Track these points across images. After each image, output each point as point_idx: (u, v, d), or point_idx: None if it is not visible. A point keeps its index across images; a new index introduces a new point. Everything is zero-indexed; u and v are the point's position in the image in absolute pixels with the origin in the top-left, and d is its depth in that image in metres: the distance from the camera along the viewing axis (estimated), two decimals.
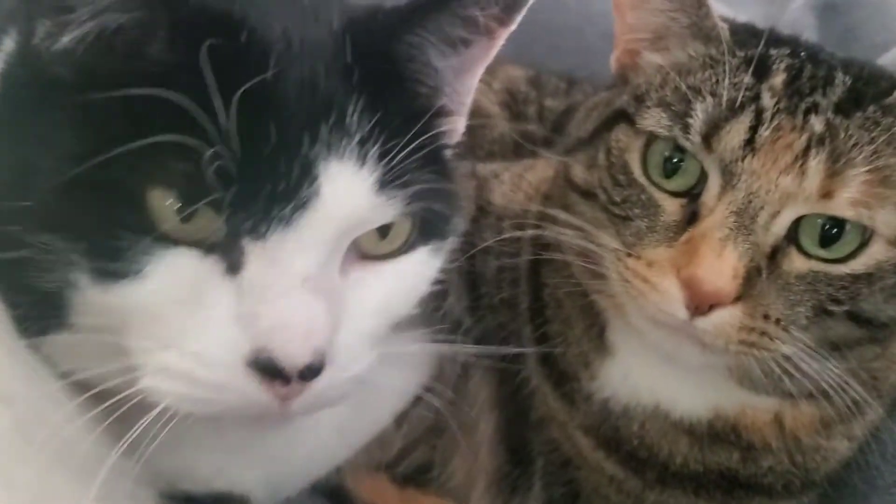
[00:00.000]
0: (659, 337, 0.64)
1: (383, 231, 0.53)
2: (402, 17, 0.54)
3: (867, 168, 0.59)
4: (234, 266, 0.48)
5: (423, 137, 0.52)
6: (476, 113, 0.94)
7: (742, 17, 1.24)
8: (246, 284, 0.48)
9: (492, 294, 0.79)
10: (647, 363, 0.70)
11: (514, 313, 0.78)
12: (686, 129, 0.62)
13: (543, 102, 1.00)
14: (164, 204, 0.46)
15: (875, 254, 0.61)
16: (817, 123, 0.60)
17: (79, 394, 0.51)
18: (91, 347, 0.50)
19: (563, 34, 1.11)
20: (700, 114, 0.62)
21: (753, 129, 0.60)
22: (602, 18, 0.72)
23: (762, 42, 0.65)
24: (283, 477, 0.71)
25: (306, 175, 0.48)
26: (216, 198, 0.46)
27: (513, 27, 0.57)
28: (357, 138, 0.49)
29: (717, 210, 0.60)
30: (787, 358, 0.61)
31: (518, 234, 0.76)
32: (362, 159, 0.50)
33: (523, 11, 0.56)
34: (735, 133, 0.60)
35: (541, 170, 0.82)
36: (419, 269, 0.56)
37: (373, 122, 0.50)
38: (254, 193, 0.47)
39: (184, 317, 0.48)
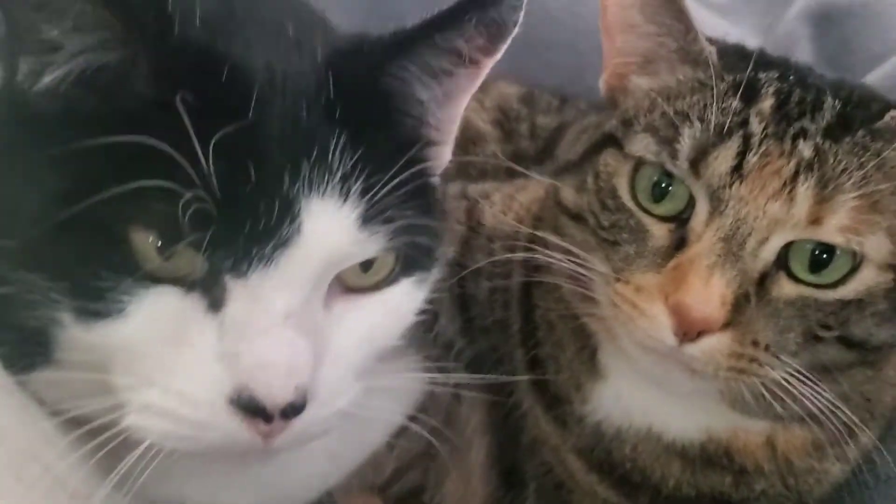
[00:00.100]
0: (648, 362, 0.64)
1: (366, 264, 0.53)
2: (385, 50, 0.54)
3: (856, 194, 0.59)
4: (216, 303, 0.48)
5: (407, 172, 0.51)
6: (468, 132, 0.95)
7: (738, 29, 1.25)
8: (228, 322, 0.48)
9: (484, 316, 0.79)
10: (638, 386, 0.70)
11: (505, 335, 0.78)
12: (674, 154, 0.62)
13: (535, 120, 1.00)
14: (146, 242, 0.46)
15: (865, 279, 0.60)
16: (806, 149, 0.60)
17: (70, 430, 0.52)
18: (77, 384, 0.50)
19: (556, 49, 1.11)
20: (688, 139, 0.62)
21: (741, 155, 0.60)
22: (595, 33, 0.71)
23: (750, 65, 0.64)
24: (275, 501, 0.71)
25: (287, 213, 0.47)
26: (196, 238, 0.46)
27: (498, 56, 0.56)
28: (339, 175, 0.49)
29: (705, 236, 0.60)
30: (778, 383, 0.61)
31: (509, 256, 0.76)
32: (345, 196, 0.49)
33: (508, 41, 0.56)
34: (723, 159, 0.60)
35: (532, 190, 0.82)
36: (403, 300, 0.56)
37: (355, 158, 0.50)
38: (234, 232, 0.46)
39: (167, 354, 0.48)
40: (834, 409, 0.62)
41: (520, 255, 0.74)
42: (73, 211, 0.44)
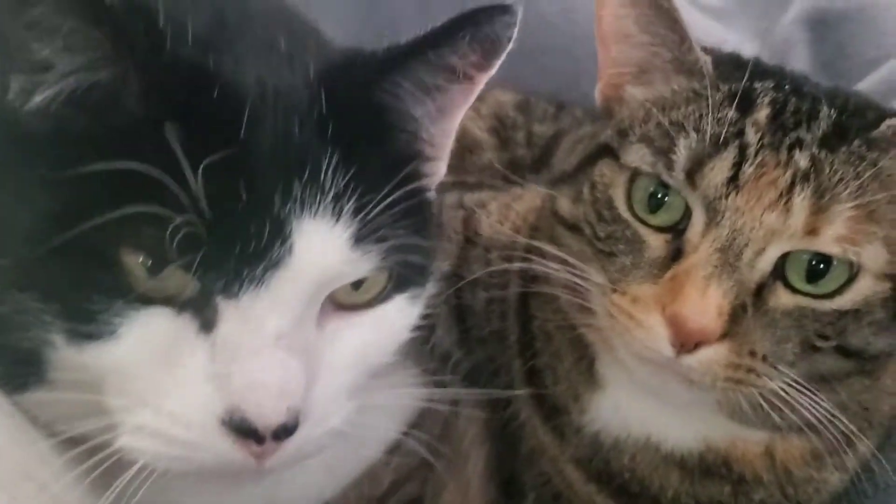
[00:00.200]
0: (646, 373, 0.64)
1: (357, 282, 0.53)
2: (378, 66, 0.53)
3: (853, 204, 0.59)
4: (207, 324, 0.48)
5: (401, 191, 0.51)
6: (465, 140, 0.94)
7: (734, 33, 1.25)
8: (219, 343, 0.48)
9: (481, 327, 0.78)
10: (636, 396, 0.70)
11: (503, 346, 0.77)
12: (669, 165, 0.62)
13: (531, 128, 0.99)
14: (136, 263, 0.46)
15: (862, 289, 0.60)
16: (802, 159, 0.60)
17: (65, 450, 0.51)
18: (71, 405, 0.50)
19: (552, 55, 1.11)
20: (683, 150, 0.61)
21: (737, 166, 0.60)
22: (591, 39, 0.71)
23: (746, 75, 0.64)
24: None
25: (278, 234, 0.47)
26: (186, 260, 0.45)
27: (493, 72, 0.56)
28: (331, 194, 0.49)
29: (702, 247, 0.60)
30: (775, 393, 0.61)
31: (506, 266, 0.75)
32: (337, 215, 0.49)
33: (503, 57, 0.56)
34: (718, 170, 0.60)
35: (528, 199, 0.82)
36: (397, 317, 0.56)
37: (348, 177, 0.49)
38: (224, 254, 0.46)
39: (159, 375, 0.48)
40: (832, 418, 0.62)
41: (517, 266, 0.74)
42: (64, 237, 0.43)
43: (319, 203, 0.48)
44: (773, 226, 0.59)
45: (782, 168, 0.59)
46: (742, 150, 0.60)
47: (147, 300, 0.47)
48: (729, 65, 0.67)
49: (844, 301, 0.60)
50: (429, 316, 0.63)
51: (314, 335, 0.51)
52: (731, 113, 0.62)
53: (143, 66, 0.47)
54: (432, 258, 0.58)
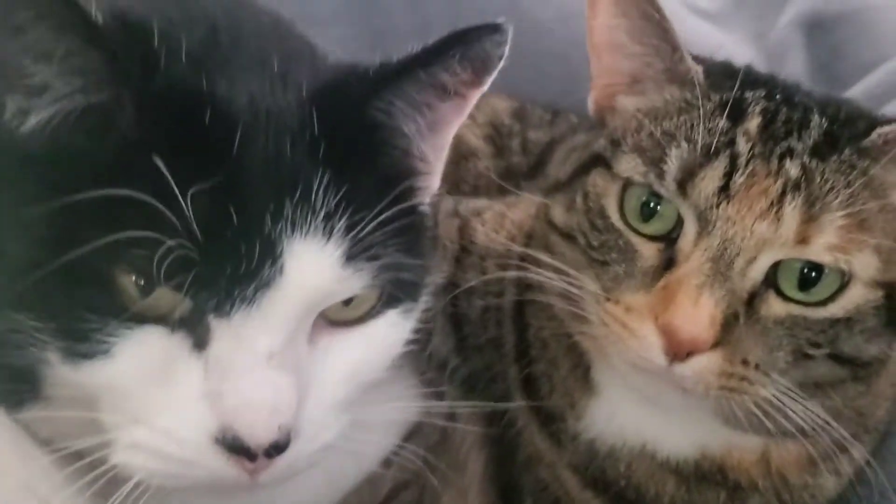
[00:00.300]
0: (640, 381, 0.65)
1: (348, 299, 0.53)
2: (370, 85, 0.54)
3: (844, 213, 0.59)
4: (200, 342, 0.49)
5: (394, 209, 0.51)
6: (461, 148, 0.95)
7: (730, 36, 1.25)
8: (212, 361, 0.48)
9: (477, 334, 0.79)
10: (632, 403, 0.70)
11: (499, 354, 0.78)
12: (661, 175, 0.62)
13: (527, 135, 1.00)
14: (130, 283, 0.47)
15: (854, 297, 0.61)
16: (792, 168, 0.60)
17: (65, 465, 0.52)
18: (67, 421, 0.50)
19: (548, 60, 1.11)
20: (675, 160, 0.62)
21: (728, 176, 0.60)
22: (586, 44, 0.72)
23: (737, 84, 0.64)
24: None
25: (269, 254, 0.48)
26: (178, 281, 0.46)
27: (485, 88, 0.57)
28: (322, 214, 0.49)
29: (693, 256, 0.60)
30: (769, 401, 0.61)
31: (501, 274, 0.76)
32: (328, 234, 0.49)
33: (494, 74, 0.56)
34: (709, 180, 0.60)
35: (524, 207, 0.82)
36: (389, 332, 0.56)
37: (339, 196, 0.50)
38: (216, 274, 0.47)
39: (153, 393, 0.48)
40: (825, 425, 0.63)
41: (512, 274, 0.74)
42: (59, 262, 0.44)
43: (310, 222, 0.49)
44: (764, 235, 0.59)
45: (773, 177, 0.60)
46: (733, 159, 0.61)
47: (141, 319, 0.47)
48: (720, 74, 0.67)
49: (836, 309, 0.60)
50: (424, 327, 0.63)
51: (306, 352, 0.51)
52: (723, 122, 0.62)
53: (137, 89, 0.47)
54: (425, 274, 0.59)
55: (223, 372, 0.48)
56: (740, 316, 0.60)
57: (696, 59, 0.68)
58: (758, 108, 0.63)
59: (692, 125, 0.63)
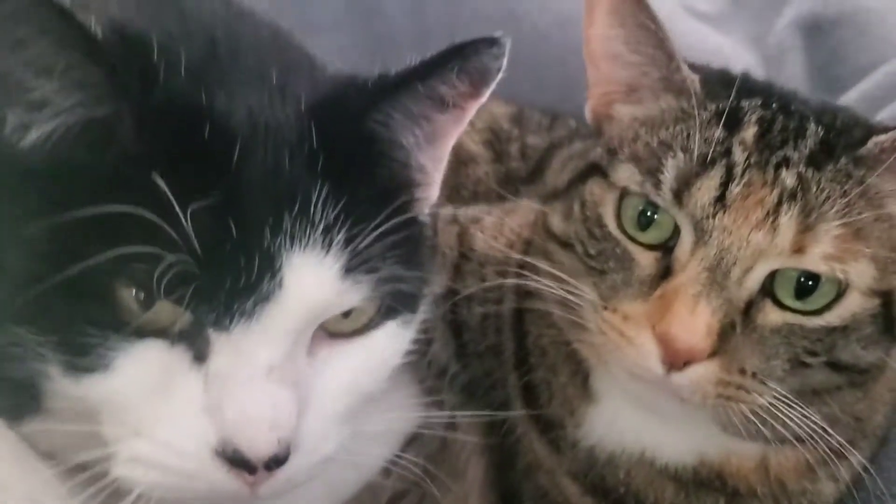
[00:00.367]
0: (638, 389, 0.65)
1: (347, 311, 0.54)
2: (368, 97, 0.54)
3: (840, 222, 0.59)
4: (200, 355, 0.49)
5: (392, 222, 0.52)
6: (460, 154, 0.95)
7: (729, 39, 1.25)
8: (211, 375, 0.48)
9: (477, 341, 0.79)
10: (631, 411, 0.70)
11: (499, 360, 0.78)
12: (657, 184, 0.62)
13: (526, 140, 1.00)
14: (130, 297, 0.47)
15: (851, 305, 0.61)
16: (789, 178, 0.60)
17: (69, 478, 0.52)
18: (69, 434, 0.51)
19: (546, 65, 1.11)
20: (671, 170, 0.62)
21: (724, 185, 0.60)
22: None
23: (733, 93, 0.65)
24: None
25: (268, 268, 0.48)
26: (178, 295, 0.46)
27: (483, 100, 0.57)
28: (321, 227, 0.49)
29: (690, 266, 0.60)
30: (766, 409, 0.61)
31: (500, 281, 0.76)
32: (327, 247, 0.50)
33: (493, 86, 0.56)
34: (706, 190, 0.60)
35: (522, 214, 0.82)
36: (388, 343, 0.57)
37: (338, 209, 0.50)
38: (215, 288, 0.47)
39: (154, 406, 0.48)
40: (822, 432, 0.63)
41: (511, 281, 0.75)
42: (60, 276, 0.44)
43: (309, 235, 0.49)
44: (760, 245, 0.59)
45: (769, 187, 0.60)
46: (729, 169, 0.61)
47: (141, 332, 0.48)
48: (717, 83, 0.67)
49: (833, 317, 0.61)
50: (425, 333, 0.63)
51: (305, 364, 0.52)
52: (719, 132, 0.62)
53: (137, 103, 0.48)
54: (424, 286, 0.59)
55: (223, 385, 0.48)
56: (737, 325, 0.60)
57: (693, 67, 0.68)
58: (754, 118, 0.64)
59: (688, 134, 0.63)
